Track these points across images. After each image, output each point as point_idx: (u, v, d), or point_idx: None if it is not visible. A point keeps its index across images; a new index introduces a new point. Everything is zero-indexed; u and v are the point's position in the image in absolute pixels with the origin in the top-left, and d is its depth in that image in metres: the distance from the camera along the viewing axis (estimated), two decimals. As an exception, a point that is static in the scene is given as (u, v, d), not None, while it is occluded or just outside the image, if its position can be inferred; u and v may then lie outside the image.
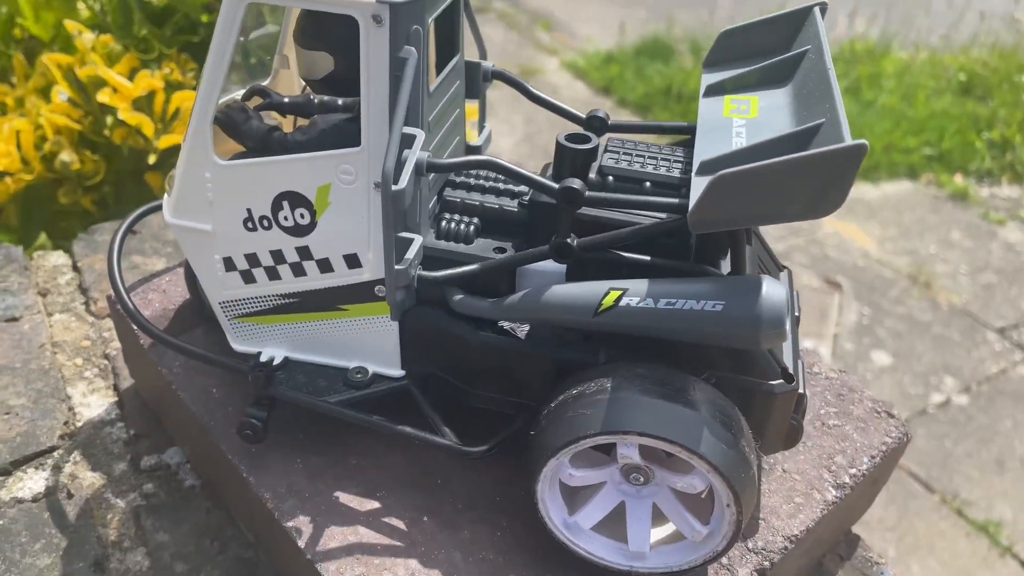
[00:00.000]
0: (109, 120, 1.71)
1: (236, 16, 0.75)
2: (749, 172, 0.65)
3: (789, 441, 0.83)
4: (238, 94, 0.90)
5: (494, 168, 0.78)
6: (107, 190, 1.75)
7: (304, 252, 0.83)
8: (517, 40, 4.36)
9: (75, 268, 1.25)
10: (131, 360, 1.07)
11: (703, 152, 0.75)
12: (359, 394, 0.87)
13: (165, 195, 0.88)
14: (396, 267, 0.77)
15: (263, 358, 0.89)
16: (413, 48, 0.74)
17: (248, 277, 0.86)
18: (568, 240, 0.77)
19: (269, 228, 0.83)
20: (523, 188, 0.85)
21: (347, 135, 0.81)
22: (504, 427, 0.85)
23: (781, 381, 0.78)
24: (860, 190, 3.80)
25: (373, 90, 0.75)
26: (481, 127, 0.99)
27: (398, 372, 0.88)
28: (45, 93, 1.74)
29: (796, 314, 0.91)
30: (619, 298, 0.74)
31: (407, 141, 0.75)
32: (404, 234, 0.79)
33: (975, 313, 3.27)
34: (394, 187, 0.72)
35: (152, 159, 1.68)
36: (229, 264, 0.86)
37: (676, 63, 4.09)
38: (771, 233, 3.44)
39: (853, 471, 0.90)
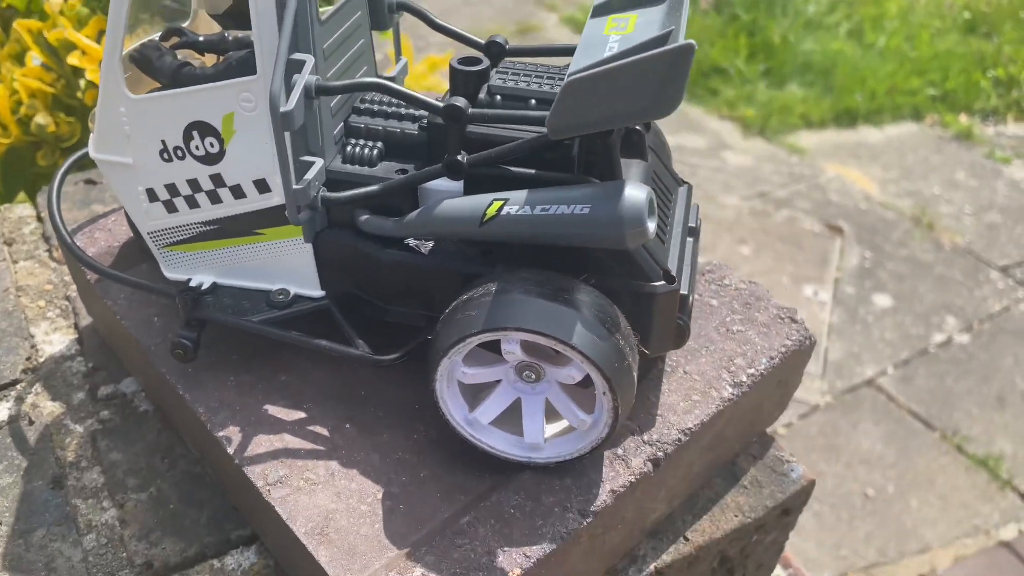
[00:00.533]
0: (81, 83, 1.77)
1: (134, -42, 0.81)
2: (593, 75, 0.69)
3: (677, 340, 0.88)
4: (156, 35, 0.95)
5: (382, 90, 0.83)
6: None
7: (217, 179, 0.89)
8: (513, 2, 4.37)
9: (39, 219, 1.32)
10: (85, 298, 1.14)
11: (574, 66, 0.80)
12: (280, 314, 0.93)
13: (90, 136, 0.94)
14: (294, 187, 0.83)
15: (192, 283, 0.95)
16: None
17: (170, 207, 0.92)
18: (459, 157, 0.82)
19: (183, 158, 0.88)
20: (424, 112, 0.90)
21: (250, 66, 0.86)
22: (413, 337, 0.91)
23: (663, 283, 0.83)
24: (862, 133, 3.81)
25: (261, 20, 0.80)
26: (397, 59, 1.04)
27: (318, 292, 0.94)
28: (20, 59, 1.80)
29: (693, 225, 0.95)
30: (500, 208, 0.80)
31: (295, 66, 0.80)
32: (306, 158, 0.85)
33: (978, 252, 3.28)
34: (282, 108, 0.78)
35: (125, 119, 1.74)
36: (151, 195, 0.92)
37: (671, 11, 4.09)
38: (773, 180, 3.47)
39: (751, 371, 0.95)
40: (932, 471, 2.48)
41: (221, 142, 0.87)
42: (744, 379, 0.94)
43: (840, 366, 2.74)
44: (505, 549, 0.80)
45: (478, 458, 0.87)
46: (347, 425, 0.92)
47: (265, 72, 0.82)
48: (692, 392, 0.93)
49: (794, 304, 2.33)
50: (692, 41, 0.66)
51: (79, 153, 1.07)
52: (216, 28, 1.00)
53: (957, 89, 3.98)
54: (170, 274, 0.97)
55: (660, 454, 0.88)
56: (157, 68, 0.90)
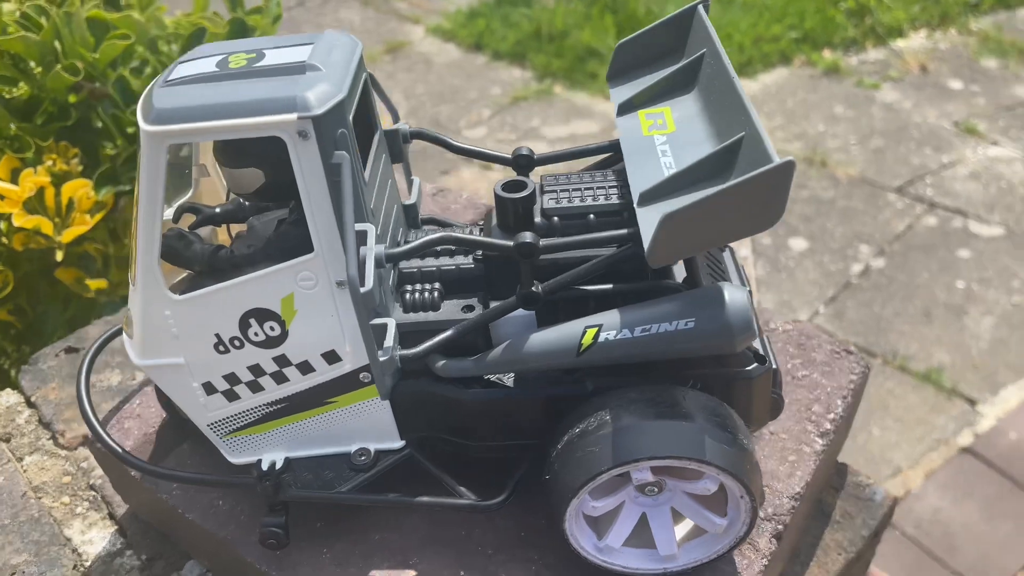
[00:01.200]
0: (3, 227, 1.66)
1: (160, 157, 0.75)
2: (691, 208, 0.68)
3: (773, 413, 0.88)
4: (167, 215, 0.90)
5: (450, 243, 0.80)
6: (21, 298, 1.70)
7: (282, 360, 0.84)
8: (376, 17, 4.30)
9: (29, 404, 1.23)
10: (122, 488, 1.07)
11: (637, 179, 0.79)
12: (368, 476, 0.89)
13: (125, 337, 0.88)
14: (380, 358, 0.79)
15: (264, 465, 0.90)
16: (343, 152, 0.75)
17: (231, 396, 0.87)
18: (534, 289, 0.80)
19: (241, 347, 0.84)
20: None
21: (294, 240, 0.82)
22: (511, 472, 0.89)
23: (756, 364, 0.84)
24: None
25: (314, 199, 0.76)
26: (409, 184, 1.01)
27: (398, 443, 0.91)
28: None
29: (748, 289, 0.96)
30: (596, 335, 0.78)
31: (360, 239, 0.77)
32: (376, 321, 0.82)
33: (872, 179, 3.41)
34: (362, 290, 0.74)
35: (60, 256, 1.64)
36: (209, 388, 0.86)
37: (539, 3, 4.10)
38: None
39: (831, 416, 0.97)
40: (883, 396, 2.59)
41: (282, 324, 0.82)
42: (828, 427, 0.96)
43: (776, 316, 2.83)
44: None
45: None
46: (461, 572, 0.89)
47: (322, 248, 0.78)
48: (787, 453, 0.94)
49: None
50: (791, 158, 0.66)
51: (99, 343, 1.00)
52: (219, 193, 0.95)
53: (815, 27, 4.12)
54: (236, 459, 0.92)
55: (780, 527, 0.88)
56: (188, 258, 0.84)
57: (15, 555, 1.05)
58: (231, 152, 0.81)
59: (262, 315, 0.82)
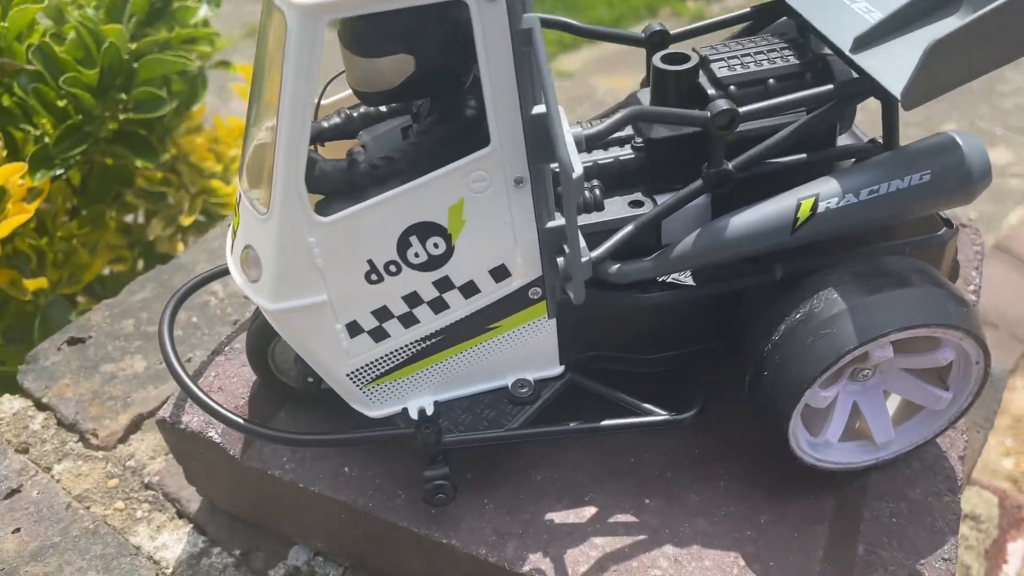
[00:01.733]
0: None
1: (316, 38, 0.62)
2: (958, 34, 0.62)
3: (954, 275, 0.84)
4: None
5: (645, 118, 0.71)
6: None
7: (443, 283, 0.73)
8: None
9: (41, 406, 1.04)
10: (200, 479, 0.92)
11: (835, 29, 0.72)
12: (535, 408, 0.79)
13: (243, 282, 0.74)
14: (582, 260, 0.69)
15: (413, 413, 0.78)
16: (533, 15, 0.64)
17: (379, 334, 0.74)
18: (727, 166, 0.72)
19: (398, 272, 0.71)
20: (625, 132, 0.79)
21: (450, 140, 0.70)
22: (696, 380, 0.80)
23: (945, 228, 0.78)
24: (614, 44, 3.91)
25: (496, 77, 0.65)
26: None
27: (559, 369, 0.80)
28: None
29: None
30: (814, 205, 0.71)
31: (547, 121, 0.66)
32: (553, 223, 0.71)
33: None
34: (574, 175, 0.64)
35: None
36: (354, 328, 0.73)
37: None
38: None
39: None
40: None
41: (448, 239, 0.70)
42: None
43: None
44: (923, 562, 0.74)
45: (803, 480, 0.79)
46: (646, 500, 0.80)
47: (501, 140, 0.67)
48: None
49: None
50: None
51: (185, 288, 0.86)
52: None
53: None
54: (376, 412, 0.79)
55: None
56: (316, 179, 0.71)
57: (79, 575, 0.88)
58: (374, 37, 0.68)
59: (425, 230, 0.70)
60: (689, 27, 0.85)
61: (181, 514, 0.95)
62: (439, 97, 0.72)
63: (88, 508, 0.94)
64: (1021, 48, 0.64)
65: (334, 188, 0.72)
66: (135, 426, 1.02)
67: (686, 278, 0.79)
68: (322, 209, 0.70)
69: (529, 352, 0.78)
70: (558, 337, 0.78)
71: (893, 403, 0.79)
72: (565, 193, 0.65)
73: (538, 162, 0.68)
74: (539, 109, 0.66)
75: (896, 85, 0.65)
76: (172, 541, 0.92)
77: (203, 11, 1.65)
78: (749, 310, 0.78)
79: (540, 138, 0.67)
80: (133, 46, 1.46)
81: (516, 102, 0.66)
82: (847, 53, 0.70)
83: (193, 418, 0.86)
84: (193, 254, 1.21)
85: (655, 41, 0.83)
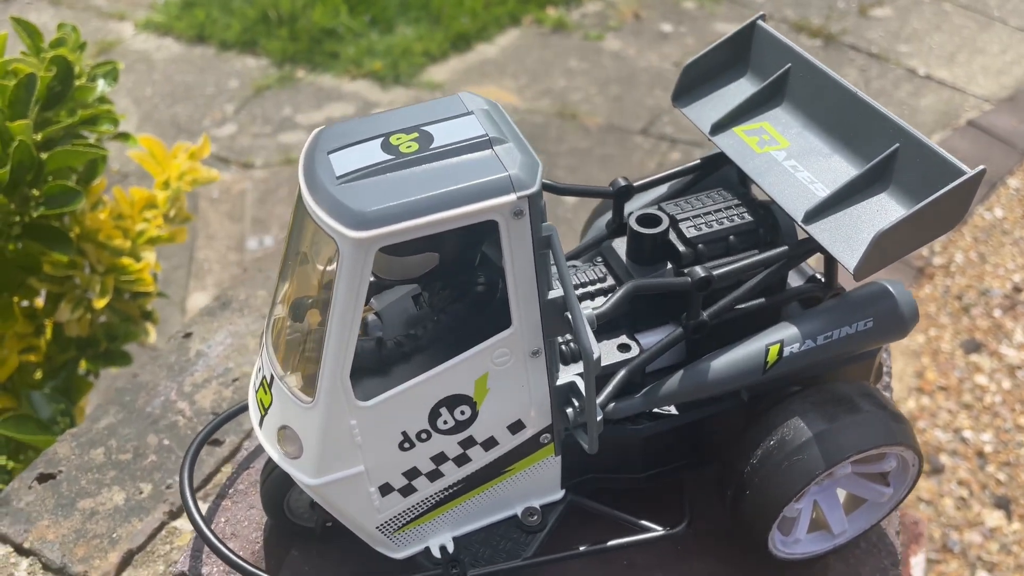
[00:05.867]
0: None
1: (367, 263, 0.68)
2: (902, 223, 0.75)
3: (877, 378, 0.98)
4: (280, 314, 0.81)
5: (642, 291, 0.81)
6: None
7: (467, 442, 0.80)
8: (73, 16, 3.87)
9: (22, 551, 1.05)
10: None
11: (785, 197, 0.84)
12: (543, 534, 0.88)
13: (283, 460, 0.79)
14: (598, 418, 0.78)
15: (435, 552, 0.86)
16: (550, 224, 0.73)
17: (408, 491, 0.81)
18: (704, 318, 0.83)
19: (428, 438, 0.79)
20: (604, 279, 0.88)
21: (473, 319, 0.78)
22: (681, 494, 0.92)
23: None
24: (481, 52, 3.98)
25: (519, 275, 0.73)
26: None
27: (560, 493, 0.90)
28: None
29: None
30: (780, 350, 0.83)
31: (563, 306, 0.75)
32: (561, 381, 0.80)
33: (618, 124, 3.65)
34: (594, 356, 0.73)
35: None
36: (386, 489, 0.80)
37: (260, -13, 3.90)
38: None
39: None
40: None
41: (473, 406, 0.78)
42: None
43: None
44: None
45: (775, 570, 0.92)
46: (643, 600, 0.91)
47: (521, 322, 0.75)
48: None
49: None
50: (983, 167, 0.74)
51: (197, 441, 0.90)
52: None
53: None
54: (400, 554, 0.86)
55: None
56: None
57: None
58: (406, 244, 0.75)
59: (454, 401, 0.77)
60: (650, 179, 0.95)
61: (190, 648, 0.98)
62: (453, 279, 0.80)
63: (96, 655, 0.97)
64: (953, 222, 0.78)
65: (364, 365, 0.78)
66: (125, 563, 1.04)
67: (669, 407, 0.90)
68: (355, 386, 0.77)
69: (536, 484, 0.87)
70: (562, 467, 0.88)
71: (841, 495, 0.93)
72: (586, 371, 0.74)
73: (551, 336, 0.77)
74: (555, 294, 0.75)
75: (848, 260, 0.77)
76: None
77: (101, 86, 1.62)
78: (721, 429, 0.90)
79: (554, 317, 0.76)
80: (38, 136, 1.44)
81: (535, 291, 0.74)
82: (800, 224, 0.82)
83: (213, 569, 0.90)
84: (152, 372, 1.22)
85: (622, 192, 0.93)
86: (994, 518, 1.92)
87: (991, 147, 3.09)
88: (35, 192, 1.41)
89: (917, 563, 1.33)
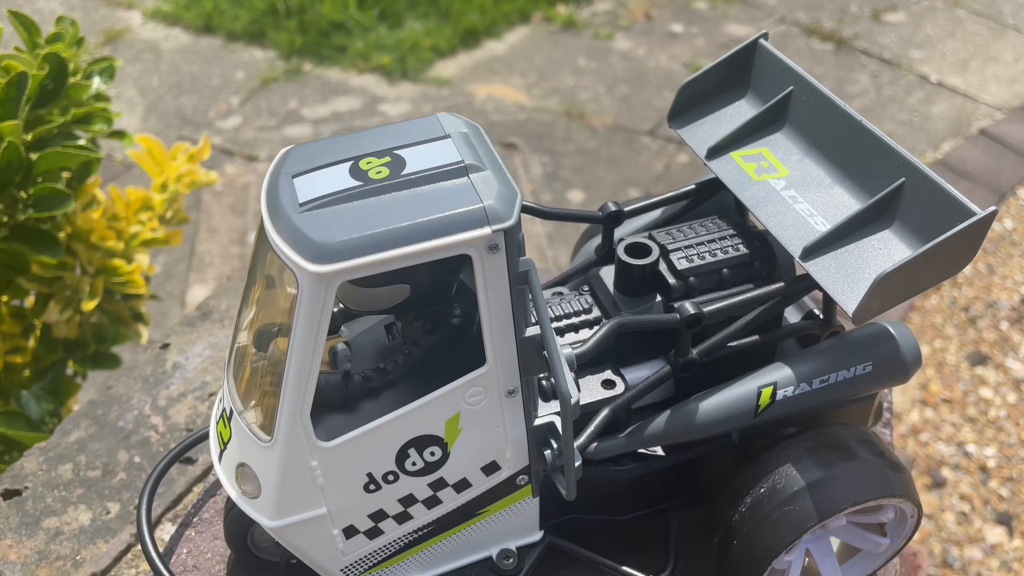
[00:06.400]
0: None
1: (327, 298, 0.64)
2: (904, 266, 0.69)
3: (877, 418, 0.93)
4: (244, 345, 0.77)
5: (626, 328, 0.76)
6: None
7: (438, 484, 0.76)
8: (81, 4, 3.83)
9: (-18, 574, 1.01)
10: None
11: (782, 230, 0.79)
12: (520, 577, 0.83)
13: (241, 499, 0.75)
14: (577, 464, 0.74)
15: (400, 596, 0.81)
16: (528, 258, 0.68)
17: (374, 533, 0.77)
18: (694, 356, 0.78)
19: (395, 480, 0.74)
20: (589, 310, 0.84)
21: (445, 354, 0.73)
22: (665, 537, 0.87)
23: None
24: (489, 48, 3.93)
25: (495, 311, 0.68)
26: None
27: (538, 535, 0.85)
28: None
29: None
30: (773, 393, 0.78)
31: (540, 344, 0.70)
32: (539, 421, 0.76)
33: (626, 125, 3.59)
34: (572, 400, 0.68)
35: None
36: (350, 531, 0.76)
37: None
38: (426, 110, 3.48)
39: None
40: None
41: (444, 446, 0.74)
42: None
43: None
44: None
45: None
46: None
47: (496, 360, 0.70)
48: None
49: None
50: (994, 208, 0.69)
51: (160, 467, 0.86)
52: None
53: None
54: (368, 596, 0.82)
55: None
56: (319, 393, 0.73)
57: None
58: (376, 276, 0.70)
59: (423, 442, 0.73)
60: (641, 203, 0.90)
61: None
62: (428, 309, 0.75)
63: None
64: (960, 265, 0.72)
65: (328, 401, 0.74)
66: (89, 586, 1.00)
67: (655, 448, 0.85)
68: (318, 424, 0.72)
69: (513, 526, 0.83)
70: (539, 508, 0.83)
71: (836, 542, 0.88)
72: (563, 415, 0.70)
73: (528, 375, 0.72)
74: (532, 331, 0.70)
75: (847, 302, 0.72)
76: None
77: (96, 84, 1.58)
78: (710, 470, 0.85)
79: (532, 356, 0.71)
80: (28, 136, 1.40)
81: (511, 328, 0.69)
82: (797, 259, 0.77)
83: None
84: (126, 384, 1.18)
85: (611, 218, 0.88)
86: (995, 534, 1.86)
87: (1002, 156, 3.03)
88: (23, 194, 1.37)
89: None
